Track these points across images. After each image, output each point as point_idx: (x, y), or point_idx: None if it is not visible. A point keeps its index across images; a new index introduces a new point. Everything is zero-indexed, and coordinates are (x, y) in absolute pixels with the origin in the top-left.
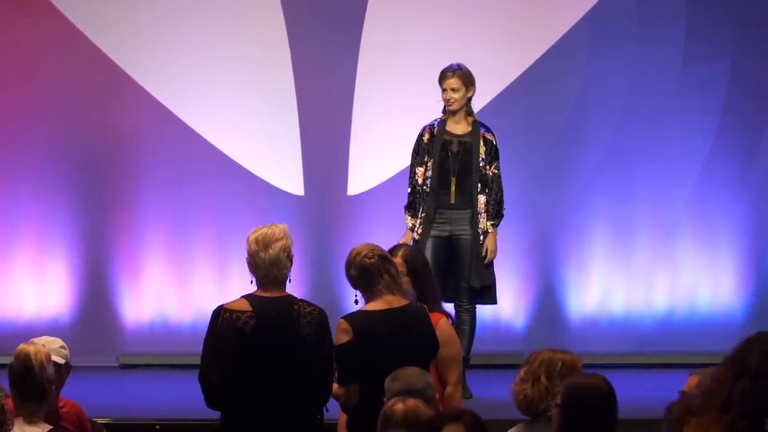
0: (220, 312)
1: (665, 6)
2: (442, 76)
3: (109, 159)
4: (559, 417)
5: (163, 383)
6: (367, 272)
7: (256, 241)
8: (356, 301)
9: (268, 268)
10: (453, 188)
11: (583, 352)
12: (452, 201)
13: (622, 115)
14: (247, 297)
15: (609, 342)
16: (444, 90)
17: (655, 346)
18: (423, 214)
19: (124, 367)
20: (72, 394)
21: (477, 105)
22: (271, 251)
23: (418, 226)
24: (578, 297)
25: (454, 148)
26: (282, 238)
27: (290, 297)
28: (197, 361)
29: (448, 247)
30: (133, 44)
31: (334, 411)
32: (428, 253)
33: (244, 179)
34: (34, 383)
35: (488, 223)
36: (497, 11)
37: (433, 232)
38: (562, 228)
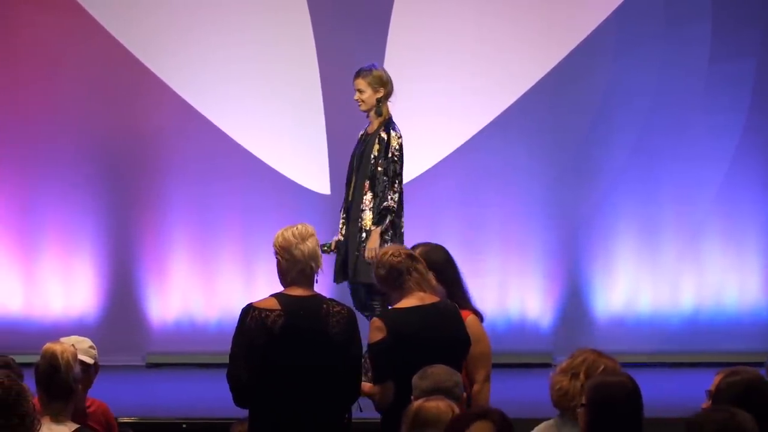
0: (248, 310)
1: (691, 5)
2: (354, 77)
3: (135, 158)
4: (585, 416)
5: (189, 382)
6: (396, 271)
7: (293, 234)
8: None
9: (306, 260)
10: (351, 188)
11: (610, 351)
12: (349, 199)
13: (648, 114)
14: (276, 296)
15: (635, 341)
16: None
17: (681, 345)
18: (344, 215)
19: (151, 366)
20: (98, 394)
21: (504, 103)
22: (309, 243)
23: (341, 226)
24: (604, 296)
25: (362, 148)
26: (314, 234)
27: (319, 296)
28: (223, 360)
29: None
30: (158, 43)
31: (368, 411)
32: (339, 253)
33: (270, 178)
34: (60, 382)
35: (370, 222)
36: (523, 11)
37: (344, 231)
38: (588, 227)
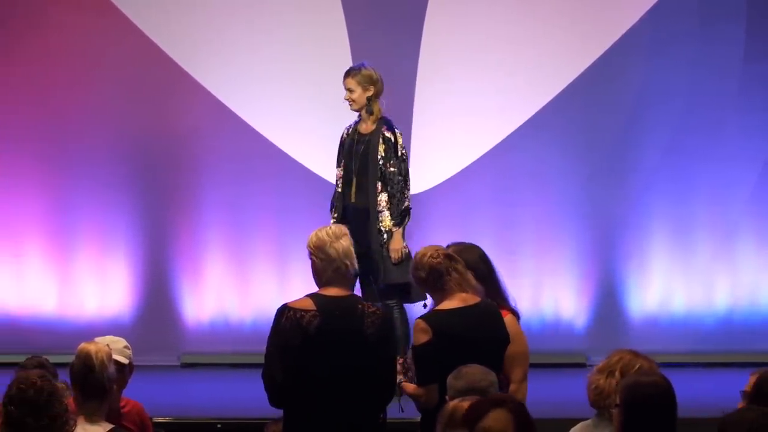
0: (284, 311)
1: (725, 4)
2: (343, 76)
3: (170, 158)
4: (619, 416)
5: (224, 382)
6: (436, 272)
7: (327, 234)
8: (425, 305)
9: (341, 259)
10: (353, 187)
11: (644, 351)
12: (352, 200)
13: (681, 114)
14: (312, 296)
15: (669, 341)
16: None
17: (715, 345)
18: (335, 215)
19: (185, 366)
20: (133, 394)
21: (537, 104)
22: (343, 242)
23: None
24: (639, 296)
25: (358, 147)
26: (347, 234)
27: (355, 296)
28: (258, 360)
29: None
30: (192, 43)
31: (410, 411)
32: None
33: (305, 178)
34: (95, 382)
35: (391, 223)
36: (557, 11)
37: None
38: (622, 227)
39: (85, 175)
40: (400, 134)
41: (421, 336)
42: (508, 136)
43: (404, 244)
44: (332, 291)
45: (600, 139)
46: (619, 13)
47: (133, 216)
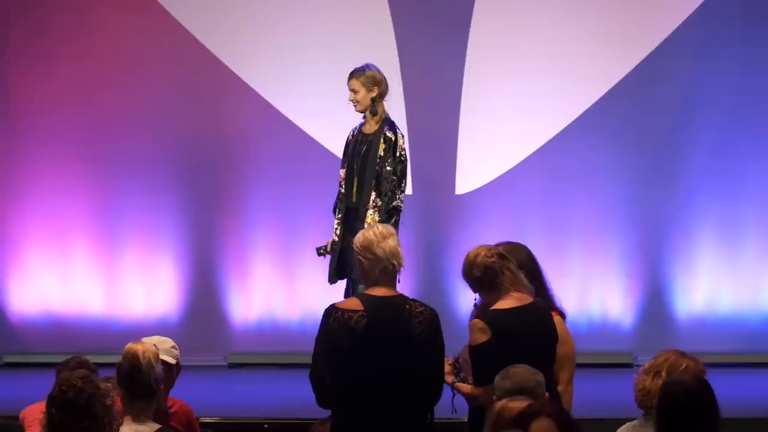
0: (332, 311)
1: None
2: (348, 77)
3: (218, 159)
4: (658, 417)
5: (271, 382)
6: (491, 271)
7: (374, 234)
8: (475, 304)
9: (388, 258)
10: (354, 188)
11: (690, 351)
12: (353, 200)
13: (728, 115)
14: (360, 296)
15: (716, 341)
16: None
17: (762, 345)
18: (340, 215)
19: (233, 366)
20: (180, 394)
21: (585, 104)
22: (390, 242)
23: (336, 227)
24: (685, 296)
25: (360, 148)
26: (394, 234)
27: (402, 296)
28: (305, 360)
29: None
30: (240, 44)
31: (462, 411)
32: (336, 254)
33: None
34: (142, 382)
35: (371, 221)
36: (604, 11)
37: (346, 233)
38: (669, 228)
39: (132, 175)
40: (402, 136)
41: (479, 335)
42: (556, 137)
43: None
44: (380, 291)
45: (647, 140)
46: (666, 13)
47: (181, 216)
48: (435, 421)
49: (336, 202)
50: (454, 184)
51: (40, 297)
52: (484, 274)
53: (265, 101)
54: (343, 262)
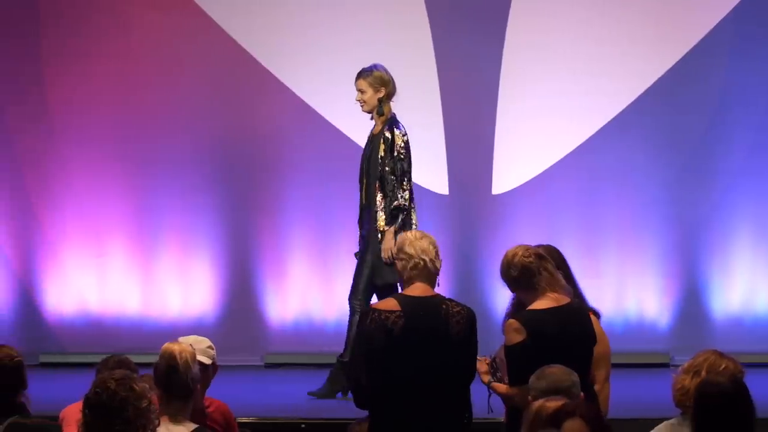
0: (369, 312)
1: None
2: (355, 78)
3: (254, 159)
4: (694, 417)
5: (307, 382)
6: (528, 271)
7: (408, 234)
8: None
9: (419, 255)
10: (362, 190)
11: (727, 351)
12: (362, 201)
13: (764, 115)
14: (397, 297)
15: (753, 341)
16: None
17: None
18: (359, 219)
19: (269, 366)
20: (217, 393)
21: (621, 104)
22: (423, 242)
23: (360, 229)
24: (722, 296)
25: (367, 149)
26: (431, 237)
27: (439, 297)
28: None
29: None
30: (277, 44)
31: (498, 411)
32: (360, 255)
33: None
34: (179, 382)
35: (383, 222)
36: (640, 11)
37: (361, 234)
38: (705, 227)
39: (169, 175)
40: (402, 134)
41: (515, 336)
42: (592, 137)
43: (394, 244)
44: (417, 291)
45: (683, 140)
46: (702, 13)
47: (217, 216)
48: (473, 420)
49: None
50: (490, 184)
51: (76, 297)
52: (521, 274)
53: (302, 101)
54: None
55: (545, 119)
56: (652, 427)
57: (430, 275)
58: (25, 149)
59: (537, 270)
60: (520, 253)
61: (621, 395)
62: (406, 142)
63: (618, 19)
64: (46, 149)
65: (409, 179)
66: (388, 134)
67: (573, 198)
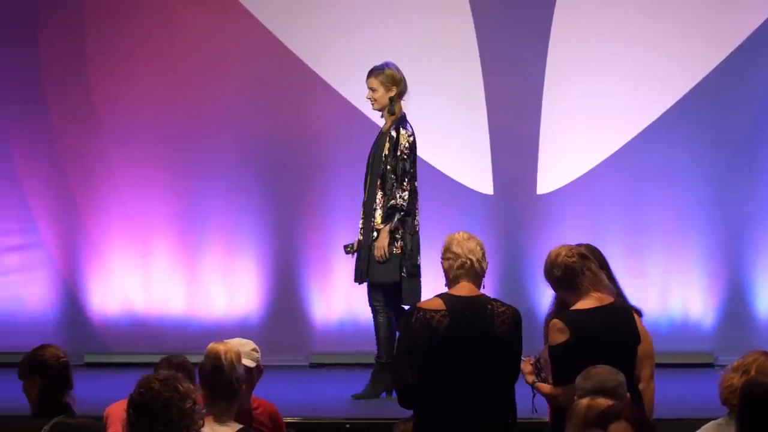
0: (414, 311)
1: None
2: (367, 76)
3: (299, 158)
4: (739, 416)
5: (352, 382)
6: (571, 271)
7: (456, 234)
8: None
9: (465, 254)
10: (366, 186)
11: None
12: (365, 199)
13: None
14: (442, 296)
15: None
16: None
17: None
18: (362, 216)
19: (314, 366)
20: (262, 393)
21: (665, 104)
22: (470, 243)
23: (361, 226)
24: (767, 296)
25: (374, 147)
26: (478, 239)
27: (484, 296)
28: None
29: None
30: (322, 44)
31: (542, 411)
32: (359, 253)
33: (434, 178)
34: (224, 382)
35: (380, 220)
36: (685, 11)
37: (363, 232)
38: (750, 227)
39: (213, 175)
40: (407, 135)
41: (558, 336)
42: (636, 137)
43: (388, 244)
44: (462, 290)
45: (727, 140)
46: (747, 13)
47: (261, 216)
48: (517, 420)
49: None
50: (535, 184)
51: (121, 297)
52: (565, 274)
53: (346, 101)
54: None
55: (590, 119)
56: (697, 427)
57: (476, 275)
58: (70, 149)
59: (580, 270)
60: (563, 253)
61: (666, 395)
62: (412, 143)
63: (662, 19)
64: (91, 149)
65: (411, 180)
66: (393, 133)
67: (617, 198)
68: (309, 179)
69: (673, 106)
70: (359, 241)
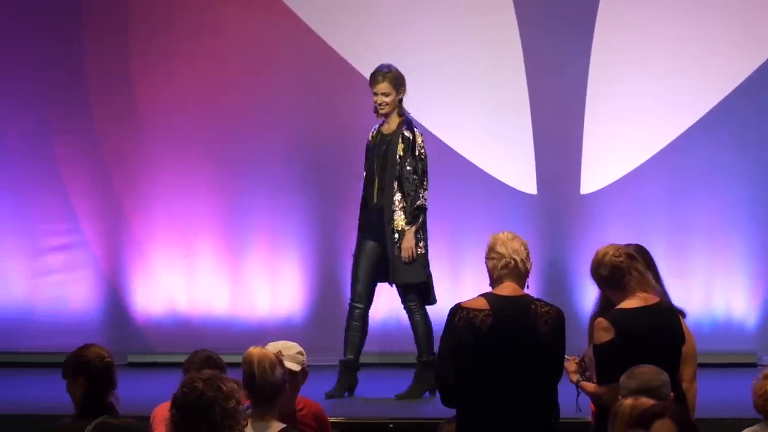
0: (457, 311)
1: None
2: (373, 80)
3: (343, 158)
4: None
5: (396, 382)
6: (618, 270)
7: (500, 234)
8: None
9: (510, 255)
10: (375, 189)
11: None
12: (374, 201)
13: None
14: (485, 296)
15: None
16: (375, 94)
17: None
18: (361, 218)
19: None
20: (305, 393)
21: (708, 104)
22: (514, 243)
23: (359, 230)
24: None
25: (380, 148)
26: (522, 238)
27: (528, 296)
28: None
29: (377, 247)
30: (364, 43)
31: (586, 410)
32: (366, 253)
33: (478, 178)
34: (261, 386)
35: (403, 222)
36: (728, 11)
37: (367, 234)
38: None
39: (257, 174)
40: (420, 135)
41: (603, 334)
42: (679, 137)
43: (415, 244)
44: (505, 290)
45: None
46: None
47: (305, 215)
48: (560, 420)
49: (362, 203)
50: (579, 183)
51: (165, 297)
52: (611, 274)
53: None
54: (378, 263)
55: (633, 119)
56: (739, 428)
57: (520, 275)
58: (114, 149)
59: (627, 270)
60: (611, 252)
61: (708, 395)
62: (424, 143)
63: (705, 18)
64: (135, 149)
65: (428, 180)
66: (408, 134)
67: (661, 198)
68: (352, 179)
69: (716, 106)
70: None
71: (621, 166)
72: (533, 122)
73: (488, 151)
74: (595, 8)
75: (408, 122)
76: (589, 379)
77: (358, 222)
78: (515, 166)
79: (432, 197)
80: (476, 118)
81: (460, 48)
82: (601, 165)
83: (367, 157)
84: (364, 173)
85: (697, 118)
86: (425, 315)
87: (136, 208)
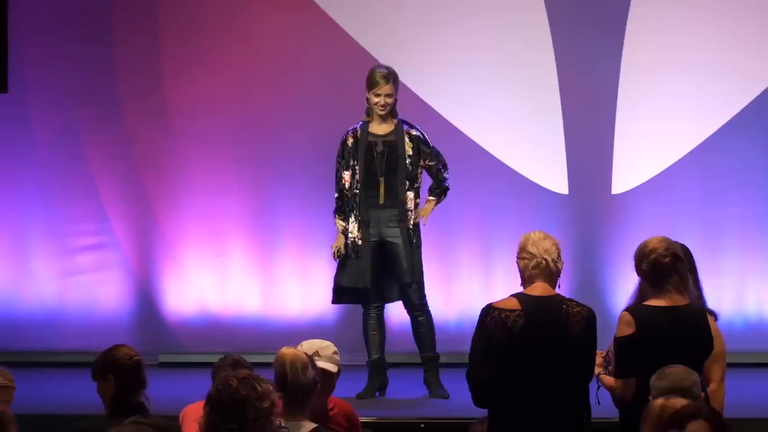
0: (488, 311)
1: None
2: (375, 83)
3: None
4: None
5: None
6: (659, 270)
7: (532, 234)
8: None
9: (540, 254)
10: (382, 189)
11: None
12: (381, 202)
13: None
14: (517, 296)
15: None
16: (378, 95)
17: None
18: (359, 218)
19: (389, 365)
20: (338, 392)
21: (739, 104)
22: (545, 243)
23: (356, 230)
24: None
25: (380, 149)
26: (554, 238)
27: (559, 296)
28: (462, 359)
29: (383, 249)
30: (396, 44)
31: (610, 409)
32: (367, 255)
33: (509, 178)
34: (293, 387)
35: (429, 197)
36: (759, 11)
37: (371, 233)
38: None
39: (287, 174)
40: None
41: (625, 328)
42: (711, 136)
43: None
44: (537, 290)
45: None
46: None
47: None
48: (592, 420)
49: (338, 205)
50: (610, 183)
51: (196, 297)
52: (652, 271)
53: (421, 100)
54: (384, 263)
55: (665, 119)
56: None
57: (551, 275)
58: (144, 149)
59: (668, 271)
60: (658, 250)
61: (740, 395)
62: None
63: (736, 19)
64: (165, 149)
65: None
66: (415, 133)
67: (693, 197)
68: None
69: (747, 106)
70: (354, 243)
71: (652, 166)
72: (564, 122)
73: (519, 150)
74: (626, 9)
75: (405, 122)
76: (611, 373)
77: (358, 222)
78: (546, 166)
79: (463, 196)
80: (508, 118)
81: (491, 48)
82: (633, 165)
83: (355, 158)
84: (347, 174)
85: (729, 118)
86: (429, 314)
87: (167, 208)
